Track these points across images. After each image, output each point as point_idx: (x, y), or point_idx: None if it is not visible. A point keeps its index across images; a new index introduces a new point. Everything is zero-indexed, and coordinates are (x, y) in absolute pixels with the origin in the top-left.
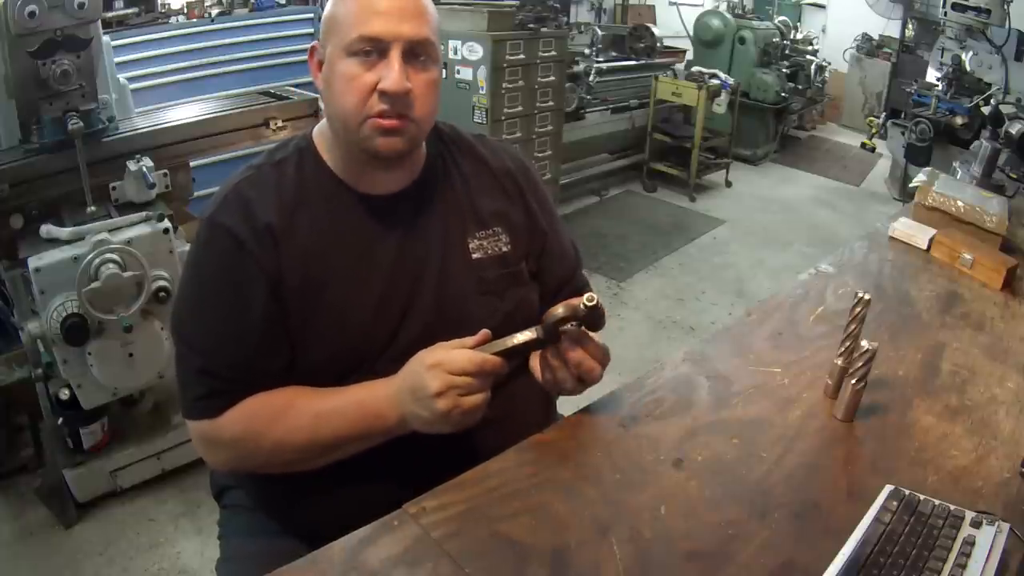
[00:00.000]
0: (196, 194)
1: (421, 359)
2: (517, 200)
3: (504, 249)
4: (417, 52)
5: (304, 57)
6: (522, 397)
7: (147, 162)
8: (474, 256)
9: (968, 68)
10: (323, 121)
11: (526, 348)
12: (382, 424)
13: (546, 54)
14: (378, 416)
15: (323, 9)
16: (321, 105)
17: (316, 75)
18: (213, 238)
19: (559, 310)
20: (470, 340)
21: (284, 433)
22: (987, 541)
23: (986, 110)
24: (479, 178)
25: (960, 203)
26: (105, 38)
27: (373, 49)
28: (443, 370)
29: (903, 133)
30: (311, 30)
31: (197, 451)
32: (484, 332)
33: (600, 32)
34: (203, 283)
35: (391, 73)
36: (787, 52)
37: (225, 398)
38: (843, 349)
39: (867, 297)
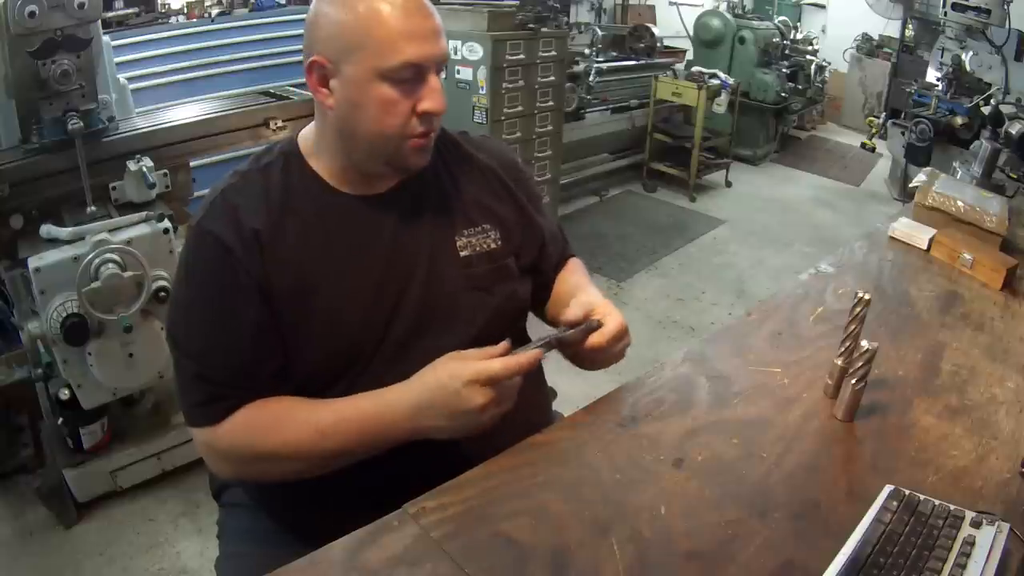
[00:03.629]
0: (196, 194)
1: (451, 374)
2: (505, 196)
3: (492, 246)
4: (440, 68)
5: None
6: (522, 397)
7: (147, 162)
8: (462, 254)
9: (968, 68)
10: (310, 127)
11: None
12: (390, 436)
13: (546, 54)
14: (388, 429)
15: None
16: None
17: (320, 90)
18: (202, 244)
19: (574, 334)
20: (497, 350)
21: (283, 444)
22: (987, 541)
23: (986, 110)
24: (466, 176)
25: (960, 203)
26: (105, 38)
27: (416, 74)
28: (482, 383)
29: (903, 133)
30: None
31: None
32: (504, 345)
33: (600, 32)
34: (193, 289)
35: (435, 95)
36: (787, 52)
37: (223, 404)
38: (843, 349)
39: (867, 297)
